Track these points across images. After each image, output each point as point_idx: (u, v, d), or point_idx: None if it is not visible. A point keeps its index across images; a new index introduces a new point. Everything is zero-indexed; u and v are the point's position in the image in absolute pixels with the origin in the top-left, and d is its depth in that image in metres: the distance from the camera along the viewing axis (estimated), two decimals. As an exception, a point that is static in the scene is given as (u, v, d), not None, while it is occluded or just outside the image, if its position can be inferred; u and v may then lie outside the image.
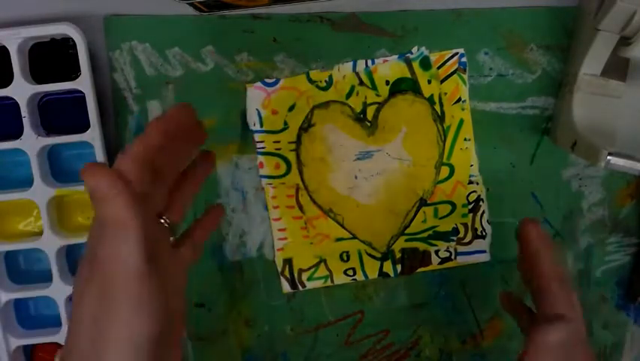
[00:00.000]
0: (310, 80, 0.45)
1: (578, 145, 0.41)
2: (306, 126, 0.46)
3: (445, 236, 0.48)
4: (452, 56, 0.46)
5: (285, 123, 0.46)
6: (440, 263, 0.48)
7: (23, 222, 0.47)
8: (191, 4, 0.42)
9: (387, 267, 0.48)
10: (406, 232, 0.47)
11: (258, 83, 0.45)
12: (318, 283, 0.48)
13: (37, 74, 0.44)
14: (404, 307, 0.49)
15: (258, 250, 0.48)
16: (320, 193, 0.47)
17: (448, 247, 0.48)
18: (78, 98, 0.43)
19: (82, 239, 0.45)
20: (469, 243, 0.48)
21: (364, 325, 0.49)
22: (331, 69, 0.45)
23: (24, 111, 0.43)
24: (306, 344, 0.49)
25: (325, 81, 0.45)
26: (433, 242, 0.48)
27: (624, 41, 0.41)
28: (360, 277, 0.48)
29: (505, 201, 0.48)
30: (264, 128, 0.46)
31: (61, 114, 0.45)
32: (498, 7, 0.45)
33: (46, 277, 0.45)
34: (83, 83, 0.43)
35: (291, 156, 0.46)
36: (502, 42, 0.46)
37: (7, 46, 0.42)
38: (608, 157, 0.38)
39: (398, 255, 0.48)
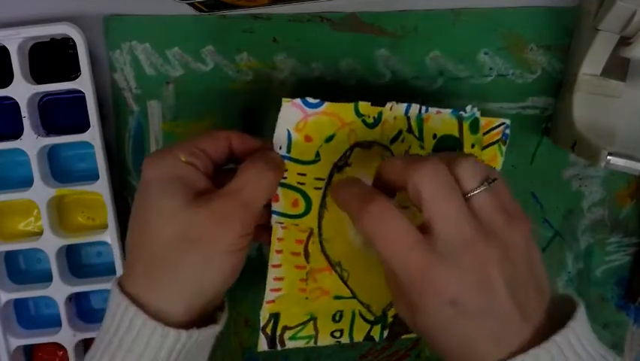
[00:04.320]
0: (358, 113, 0.38)
1: (578, 145, 0.41)
2: (342, 165, 0.39)
3: None
4: (499, 125, 0.42)
5: (317, 155, 0.38)
6: None
7: (23, 222, 0.47)
8: (191, 4, 0.42)
9: (375, 331, 0.42)
10: None
11: (297, 100, 0.37)
12: (300, 344, 0.41)
13: (37, 74, 0.44)
14: (404, 307, 0.49)
15: (257, 250, 0.47)
16: (333, 243, 0.40)
17: None
18: (78, 98, 0.43)
19: (82, 239, 0.45)
20: None
21: (364, 325, 0.48)
22: (383, 105, 0.39)
23: (24, 111, 0.43)
24: (306, 344, 0.49)
25: (374, 117, 0.38)
26: None
27: (624, 41, 0.41)
28: (345, 339, 0.42)
29: (505, 201, 0.48)
30: (290, 155, 0.37)
31: (61, 114, 0.45)
32: (498, 7, 0.45)
33: (46, 277, 0.45)
34: (83, 83, 0.43)
35: (315, 195, 0.38)
36: (502, 42, 0.46)
37: (7, 46, 0.42)
38: (608, 157, 0.38)
39: (390, 320, 0.42)
